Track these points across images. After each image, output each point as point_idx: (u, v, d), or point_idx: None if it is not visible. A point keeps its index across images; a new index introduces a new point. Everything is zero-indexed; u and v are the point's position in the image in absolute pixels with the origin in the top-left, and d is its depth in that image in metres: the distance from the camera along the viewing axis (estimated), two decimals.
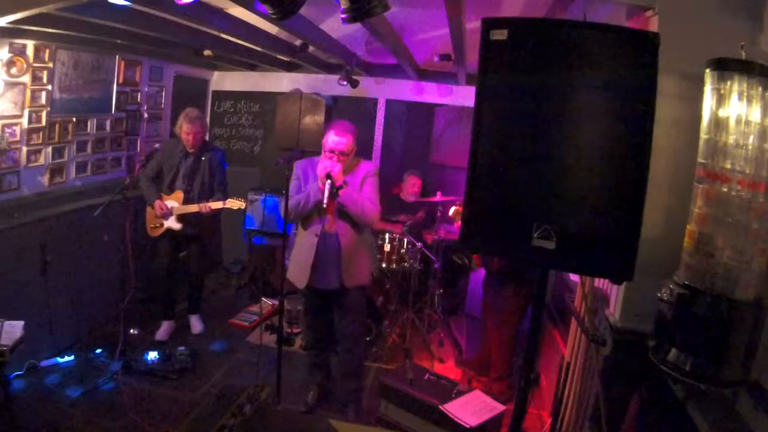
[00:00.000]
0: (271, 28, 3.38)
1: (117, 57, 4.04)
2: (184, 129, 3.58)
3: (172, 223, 3.66)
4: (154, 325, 3.93)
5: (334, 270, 2.85)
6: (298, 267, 2.92)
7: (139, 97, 4.43)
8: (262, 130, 5.58)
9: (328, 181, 2.61)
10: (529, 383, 1.60)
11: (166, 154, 3.69)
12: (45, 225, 3.35)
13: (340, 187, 2.68)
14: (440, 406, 2.61)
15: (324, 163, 2.70)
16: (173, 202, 3.64)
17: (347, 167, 2.82)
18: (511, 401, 2.89)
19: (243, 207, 3.59)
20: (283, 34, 3.62)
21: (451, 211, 4.11)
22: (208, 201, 3.61)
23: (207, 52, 4.28)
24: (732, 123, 1.32)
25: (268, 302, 4.44)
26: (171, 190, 3.68)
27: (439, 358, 3.93)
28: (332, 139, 2.77)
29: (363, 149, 5.20)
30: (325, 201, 2.62)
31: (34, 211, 3.35)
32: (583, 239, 1.37)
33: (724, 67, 1.34)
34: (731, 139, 1.32)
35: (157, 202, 3.59)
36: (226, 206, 3.56)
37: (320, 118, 4.90)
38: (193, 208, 3.58)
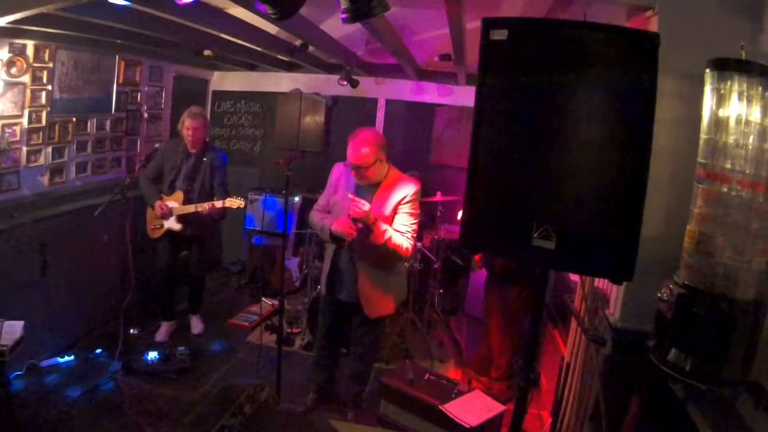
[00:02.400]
0: (271, 28, 3.38)
1: (117, 57, 4.04)
2: (186, 124, 3.57)
3: (172, 224, 3.65)
4: (154, 325, 3.94)
5: (352, 287, 2.78)
6: (322, 274, 2.93)
7: (139, 97, 4.43)
8: (262, 130, 5.58)
9: (358, 225, 2.54)
10: (529, 383, 1.60)
11: (167, 154, 3.68)
12: (45, 225, 3.34)
13: (370, 230, 2.54)
14: (440, 406, 2.61)
15: (339, 222, 2.58)
16: (173, 203, 3.63)
17: (384, 183, 2.69)
18: (511, 401, 2.89)
19: (242, 206, 3.56)
20: (283, 34, 3.62)
21: (460, 214, 4.09)
22: (207, 202, 3.58)
23: (207, 52, 4.27)
24: (732, 123, 1.32)
25: (268, 302, 4.44)
26: (171, 190, 3.67)
27: (439, 358, 3.93)
28: (348, 153, 2.62)
29: None
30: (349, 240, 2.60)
31: (34, 211, 3.35)
32: (583, 239, 1.37)
33: (724, 67, 1.34)
34: (731, 139, 1.32)
35: (158, 203, 3.58)
36: (226, 205, 3.52)
37: (320, 118, 4.89)
38: (191, 208, 3.56)
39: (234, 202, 3.52)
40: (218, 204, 3.53)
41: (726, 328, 1.31)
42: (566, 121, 1.37)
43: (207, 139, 3.77)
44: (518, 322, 3.37)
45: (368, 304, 2.79)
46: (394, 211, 2.66)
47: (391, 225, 2.65)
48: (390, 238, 2.58)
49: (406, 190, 2.66)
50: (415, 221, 2.68)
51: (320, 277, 2.98)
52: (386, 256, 2.67)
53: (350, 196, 2.53)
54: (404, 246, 2.62)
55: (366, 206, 2.50)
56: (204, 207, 3.52)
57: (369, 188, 2.71)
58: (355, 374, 3.06)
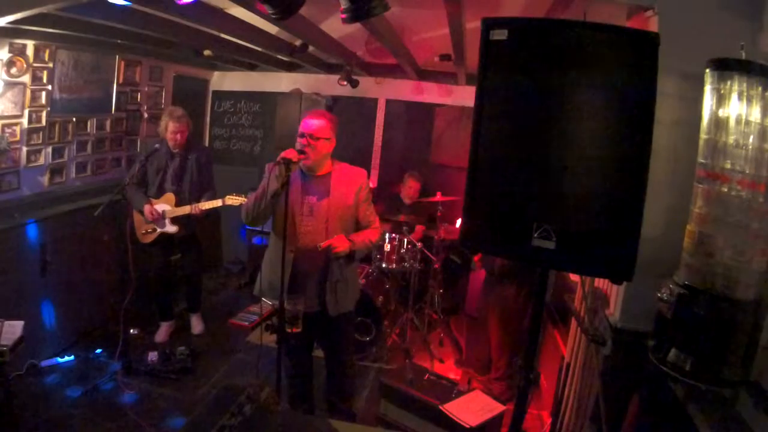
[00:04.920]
0: (271, 28, 3.38)
1: (117, 57, 4.04)
2: (171, 128, 3.48)
3: (166, 227, 3.56)
4: (154, 325, 3.93)
5: (315, 292, 2.49)
6: (280, 282, 2.35)
7: (139, 97, 4.43)
8: (262, 130, 5.58)
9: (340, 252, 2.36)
10: (529, 383, 1.60)
11: (150, 157, 3.54)
12: (45, 225, 3.35)
13: (350, 253, 2.42)
14: (440, 406, 2.60)
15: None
16: (165, 206, 3.53)
17: (335, 173, 2.48)
18: (511, 401, 2.89)
19: (245, 202, 3.50)
20: (283, 34, 3.62)
21: (458, 223, 4.11)
22: (199, 201, 3.53)
23: (207, 52, 4.28)
24: (732, 123, 1.32)
25: (268, 302, 4.42)
26: (160, 192, 3.55)
27: (439, 358, 3.93)
28: (303, 121, 2.44)
29: (363, 149, 5.22)
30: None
31: (34, 211, 3.35)
32: (583, 239, 1.38)
33: (724, 67, 1.34)
34: (731, 139, 1.32)
35: (147, 207, 3.46)
36: (227, 204, 3.45)
37: None
38: (187, 209, 3.49)
39: (236, 200, 3.43)
40: (218, 203, 3.47)
41: (726, 328, 1.31)
42: (566, 121, 1.37)
43: (189, 138, 3.67)
44: (518, 321, 3.37)
45: (335, 303, 2.51)
46: (357, 200, 2.51)
47: (353, 213, 2.50)
48: (367, 242, 2.51)
49: (360, 176, 2.54)
50: (373, 207, 2.63)
51: (266, 287, 2.57)
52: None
53: (320, 247, 2.36)
54: (377, 239, 2.60)
55: (343, 242, 2.35)
56: (201, 207, 3.47)
57: (320, 180, 2.49)
58: (337, 373, 2.78)
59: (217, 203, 3.49)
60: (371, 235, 2.55)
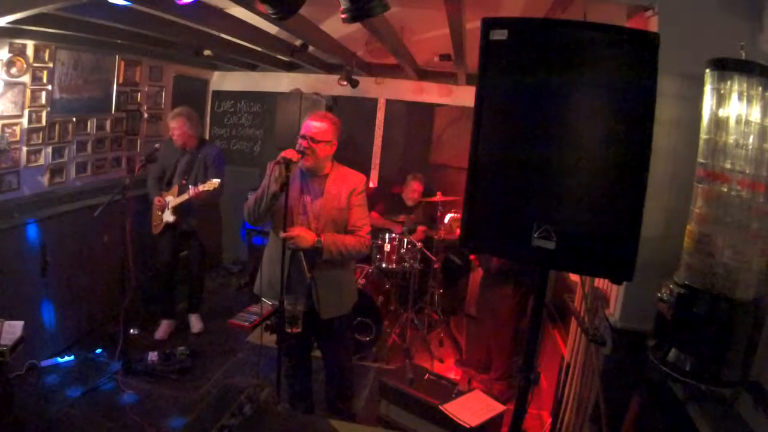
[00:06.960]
0: (271, 28, 3.38)
1: (117, 57, 4.04)
2: (170, 126, 3.69)
3: (167, 217, 3.71)
4: (154, 325, 3.93)
5: (306, 292, 2.46)
6: (277, 282, 2.40)
7: (139, 97, 4.43)
8: (262, 130, 5.58)
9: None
10: (529, 383, 1.59)
11: (164, 154, 3.79)
12: (45, 225, 3.35)
13: (318, 248, 2.36)
14: (440, 406, 2.61)
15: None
16: (170, 197, 3.72)
17: (333, 175, 2.48)
18: (511, 401, 2.89)
19: (216, 186, 3.41)
20: (283, 34, 3.62)
21: (447, 218, 4.10)
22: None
23: (207, 52, 4.27)
24: (732, 123, 1.32)
25: (268, 302, 4.42)
26: (169, 186, 3.77)
27: (439, 358, 3.93)
28: (305, 123, 2.43)
29: (363, 149, 5.22)
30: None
31: (34, 211, 3.35)
32: (583, 239, 1.37)
33: (724, 67, 1.34)
34: (731, 139, 1.32)
35: (156, 198, 3.71)
36: (205, 188, 3.40)
37: None
38: (185, 197, 3.58)
39: (210, 184, 3.41)
40: (200, 188, 3.43)
41: (726, 328, 1.31)
42: (566, 121, 1.37)
43: (197, 135, 3.78)
44: (515, 321, 3.37)
45: (321, 305, 2.50)
46: (349, 203, 2.48)
47: (345, 216, 2.47)
48: (339, 245, 2.40)
49: (357, 180, 2.52)
50: (367, 214, 2.57)
51: (265, 285, 2.60)
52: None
53: (281, 234, 2.33)
54: (354, 247, 2.44)
55: (306, 234, 2.35)
56: (189, 192, 3.51)
57: (317, 180, 2.50)
58: (336, 373, 2.76)
59: (200, 188, 3.42)
60: (348, 240, 2.43)
